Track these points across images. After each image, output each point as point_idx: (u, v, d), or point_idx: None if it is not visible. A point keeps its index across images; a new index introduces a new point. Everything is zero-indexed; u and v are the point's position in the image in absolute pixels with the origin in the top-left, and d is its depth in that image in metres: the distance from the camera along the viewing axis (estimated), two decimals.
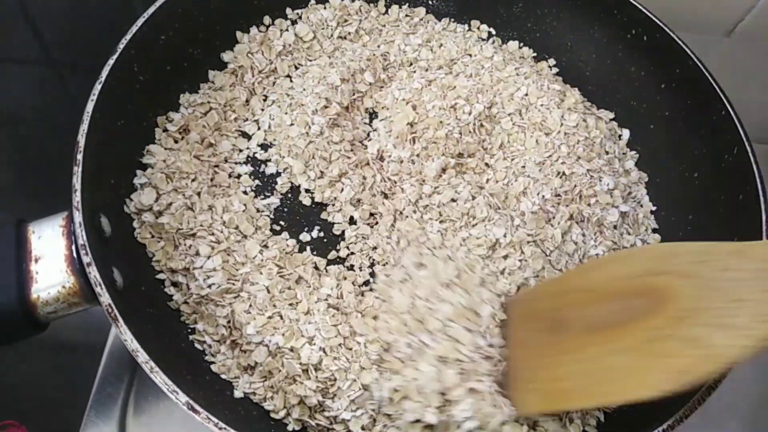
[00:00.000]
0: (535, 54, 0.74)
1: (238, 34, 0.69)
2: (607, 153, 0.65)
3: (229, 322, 0.50)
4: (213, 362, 0.50)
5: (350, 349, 0.50)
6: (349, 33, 0.71)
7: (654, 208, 0.64)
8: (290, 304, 0.51)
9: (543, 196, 0.59)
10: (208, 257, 0.53)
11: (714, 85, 0.59)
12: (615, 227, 0.60)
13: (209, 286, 0.51)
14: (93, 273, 0.44)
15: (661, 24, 0.64)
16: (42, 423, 0.53)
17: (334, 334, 0.49)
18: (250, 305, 0.51)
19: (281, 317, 0.51)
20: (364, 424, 0.47)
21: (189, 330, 0.52)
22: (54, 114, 0.89)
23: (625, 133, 0.68)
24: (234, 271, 0.52)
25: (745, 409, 0.63)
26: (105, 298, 0.44)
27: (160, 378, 0.41)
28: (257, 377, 0.48)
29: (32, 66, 0.87)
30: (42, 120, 0.92)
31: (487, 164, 0.63)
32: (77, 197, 0.47)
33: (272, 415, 0.47)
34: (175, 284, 0.53)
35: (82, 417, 0.56)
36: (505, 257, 0.56)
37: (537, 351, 0.42)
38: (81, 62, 0.85)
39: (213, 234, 0.54)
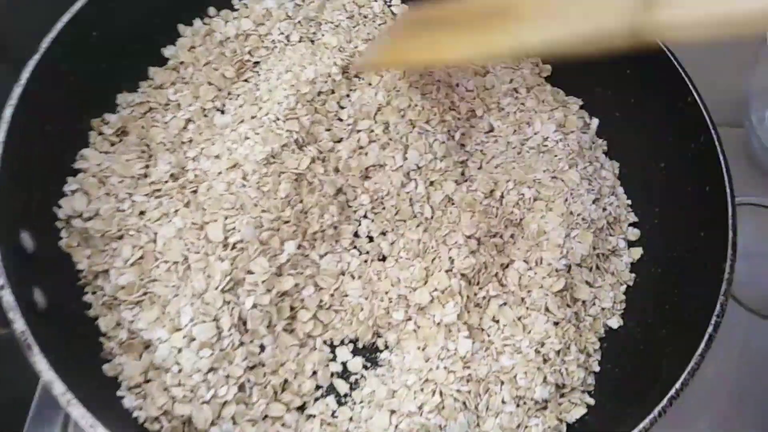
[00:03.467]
0: None
1: (181, 27, 0.65)
2: (581, 148, 0.61)
3: (131, 323, 0.48)
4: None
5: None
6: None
7: (629, 202, 0.61)
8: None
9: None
10: (131, 256, 0.50)
11: (680, 69, 0.56)
12: (601, 229, 0.57)
13: (122, 287, 0.48)
14: (6, 297, 0.41)
15: None
16: None
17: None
18: (153, 302, 0.48)
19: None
20: None
21: None
22: None
23: (594, 122, 0.65)
24: (148, 266, 0.49)
25: (714, 408, 0.61)
26: (19, 324, 0.40)
27: (77, 412, 0.38)
28: (136, 379, 0.46)
29: None
30: None
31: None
32: None
33: (146, 426, 0.45)
34: (94, 292, 0.49)
35: None
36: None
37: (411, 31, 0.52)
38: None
39: (140, 235, 0.51)
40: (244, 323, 0.47)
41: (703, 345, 0.43)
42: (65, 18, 0.54)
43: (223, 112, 0.60)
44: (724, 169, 0.50)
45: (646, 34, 0.36)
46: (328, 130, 0.61)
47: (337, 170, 0.57)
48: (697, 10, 0.33)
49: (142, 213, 0.52)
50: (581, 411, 0.49)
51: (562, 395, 0.49)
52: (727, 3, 0.33)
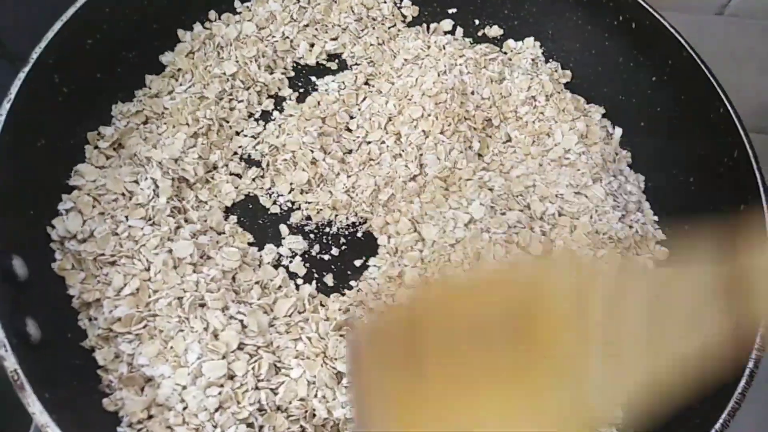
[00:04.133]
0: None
1: (180, 32, 0.62)
2: (605, 161, 0.58)
3: (131, 357, 0.45)
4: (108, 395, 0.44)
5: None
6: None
7: (656, 218, 0.57)
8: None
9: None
10: (124, 285, 0.46)
11: (711, 78, 0.53)
12: (628, 248, 0.54)
13: (118, 319, 0.45)
14: None
15: (650, 10, 0.57)
16: None
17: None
18: (154, 336, 0.45)
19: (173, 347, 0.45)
20: None
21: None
22: None
23: (617, 132, 0.62)
24: (145, 297, 0.46)
25: None
26: (10, 362, 0.37)
27: None
28: (138, 415, 0.43)
29: None
30: None
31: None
32: None
33: None
34: (89, 320, 0.46)
35: None
36: None
37: (390, 389, 0.33)
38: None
39: (134, 262, 0.48)
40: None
41: (743, 383, 0.40)
42: (57, 26, 0.51)
43: None
44: (762, 187, 0.47)
45: None
46: (337, 141, 0.58)
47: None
48: None
49: (136, 239, 0.49)
50: None
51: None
52: None
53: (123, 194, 0.51)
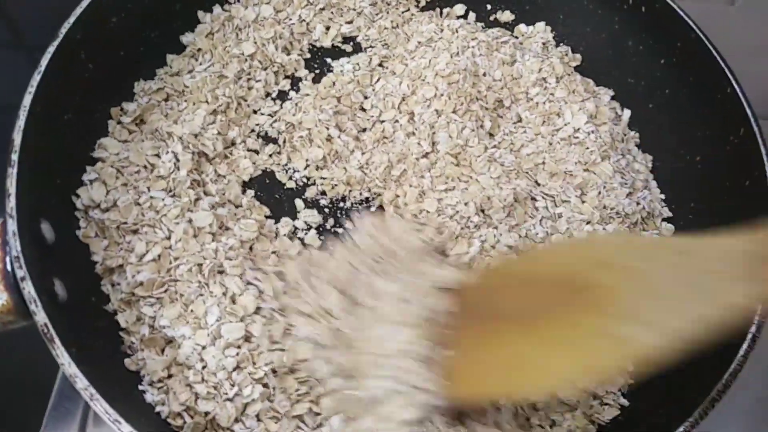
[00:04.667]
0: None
1: (200, 13, 0.63)
2: (613, 140, 0.59)
3: (153, 319, 0.46)
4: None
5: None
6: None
7: (663, 196, 0.59)
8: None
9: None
10: (146, 252, 0.48)
11: (719, 59, 0.54)
12: (635, 224, 0.55)
13: (140, 284, 0.47)
14: (27, 289, 0.40)
15: None
16: None
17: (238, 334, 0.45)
18: (175, 300, 0.47)
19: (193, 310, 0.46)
20: None
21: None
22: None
23: (626, 113, 0.63)
24: (167, 264, 0.48)
25: (747, 409, 0.59)
26: (41, 316, 0.39)
27: (100, 407, 0.37)
28: (159, 374, 0.45)
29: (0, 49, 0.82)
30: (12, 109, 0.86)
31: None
32: (11, 203, 0.42)
33: (169, 421, 0.43)
34: (112, 285, 0.48)
35: None
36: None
37: (475, 336, 0.42)
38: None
39: (156, 230, 0.49)
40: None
41: (745, 346, 0.41)
42: (84, 3, 0.53)
43: None
44: (766, 162, 0.48)
45: None
46: (352, 120, 0.59)
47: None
48: None
49: (158, 209, 0.51)
50: (614, 412, 0.48)
51: (594, 396, 0.48)
52: None
53: (145, 166, 0.53)
